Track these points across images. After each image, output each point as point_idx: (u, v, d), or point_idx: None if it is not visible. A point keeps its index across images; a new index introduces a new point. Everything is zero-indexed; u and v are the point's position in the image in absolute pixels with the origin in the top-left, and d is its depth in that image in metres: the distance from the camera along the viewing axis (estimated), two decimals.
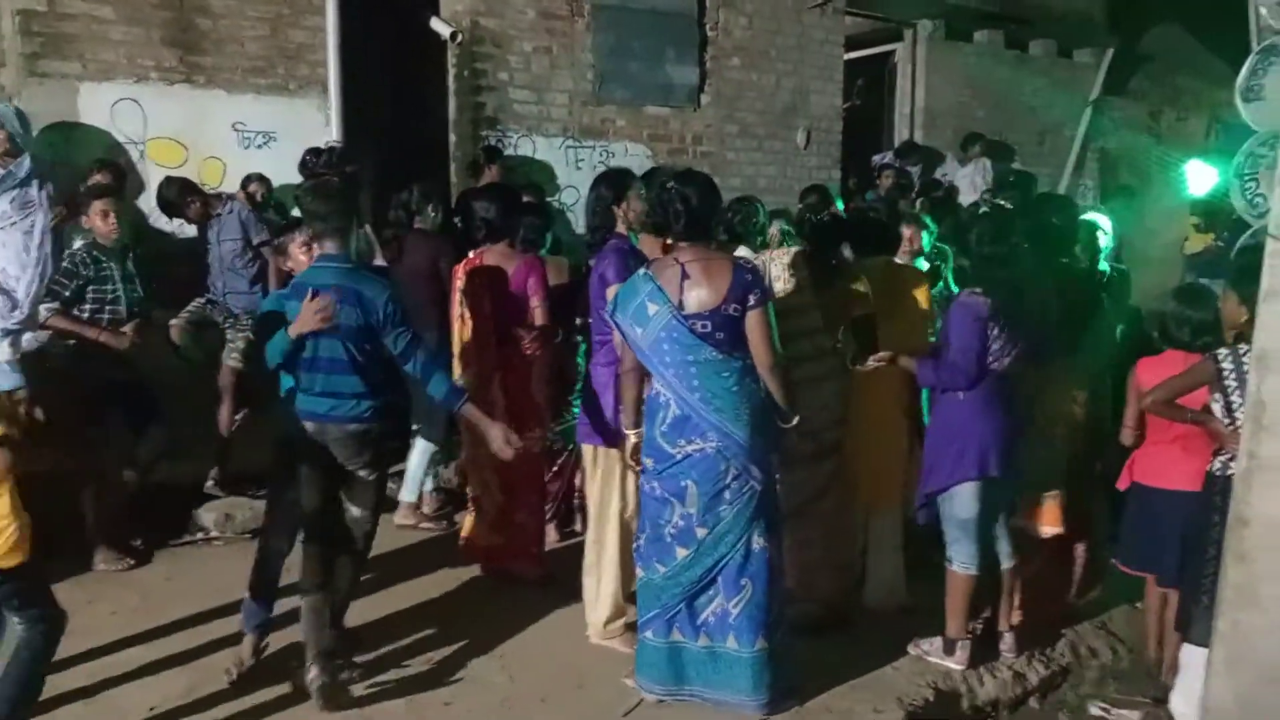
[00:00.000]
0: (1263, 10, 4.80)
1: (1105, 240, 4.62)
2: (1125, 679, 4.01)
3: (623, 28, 7.32)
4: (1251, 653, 2.65)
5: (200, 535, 5.00)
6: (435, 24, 6.65)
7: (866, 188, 8.73)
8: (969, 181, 8.83)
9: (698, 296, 3.14)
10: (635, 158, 7.29)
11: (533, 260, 4.37)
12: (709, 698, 3.32)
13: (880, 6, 9.16)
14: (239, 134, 5.99)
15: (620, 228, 3.85)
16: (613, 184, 3.93)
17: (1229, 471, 3.06)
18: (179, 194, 5.37)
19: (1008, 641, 3.89)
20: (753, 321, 3.15)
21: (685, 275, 3.15)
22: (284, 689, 3.40)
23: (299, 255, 3.61)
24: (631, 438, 3.42)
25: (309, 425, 3.39)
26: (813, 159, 8.51)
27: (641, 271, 3.25)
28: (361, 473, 3.50)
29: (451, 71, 6.78)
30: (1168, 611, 3.72)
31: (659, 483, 3.25)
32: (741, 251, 4.06)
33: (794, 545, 3.80)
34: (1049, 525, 4.03)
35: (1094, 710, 3.78)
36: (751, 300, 3.14)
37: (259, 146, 6.02)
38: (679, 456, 3.19)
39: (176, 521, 4.99)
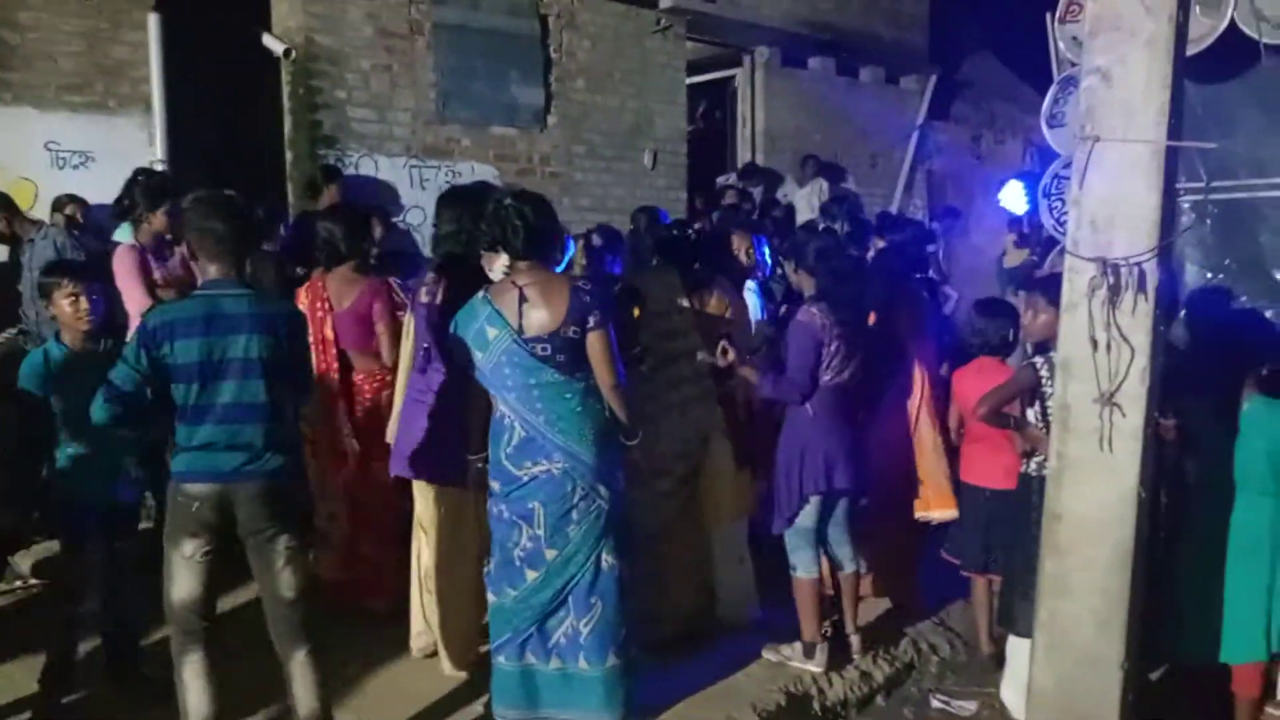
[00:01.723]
0: (1061, 44, 5.22)
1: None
2: (963, 672, 4.22)
3: (465, 47, 7.28)
4: (1067, 639, 2.84)
5: (18, 584, 4.63)
6: (267, 40, 6.44)
7: (712, 208, 8.96)
8: (806, 202, 9.19)
9: (537, 319, 3.11)
10: (482, 178, 7.23)
11: (377, 284, 4.25)
12: (554, 714, 3.30)
13: (719, 33, 9.43)
14: (52, 154, 5.66)
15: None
16: (467, 204, 3.76)
17: (1043, 472, 3.28)
18: None
19: (854, 643, 4.05)
20: (593, 342, 3.14)
21: (523, 298, 3.11)
22: None
23: (64, 305, 3.32)
24: (477, 464, 3.38)
25: (200, 488, 2.84)
26: (660, 180, 8.67)
27: (480, 295, 3.21)
28: (270, 532, 2.94)
29: (286, 89, 6.59)
30: (995, 604, 3.96)
31: (506, 505, 3.21)
32: None
33: (656, 564, 3.85)
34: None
35: (935, 703, 3.96)
36: (591, 321, 3.12)
37: (75, 167, 5.70)
38: (525, 479, 3.16)
39: None
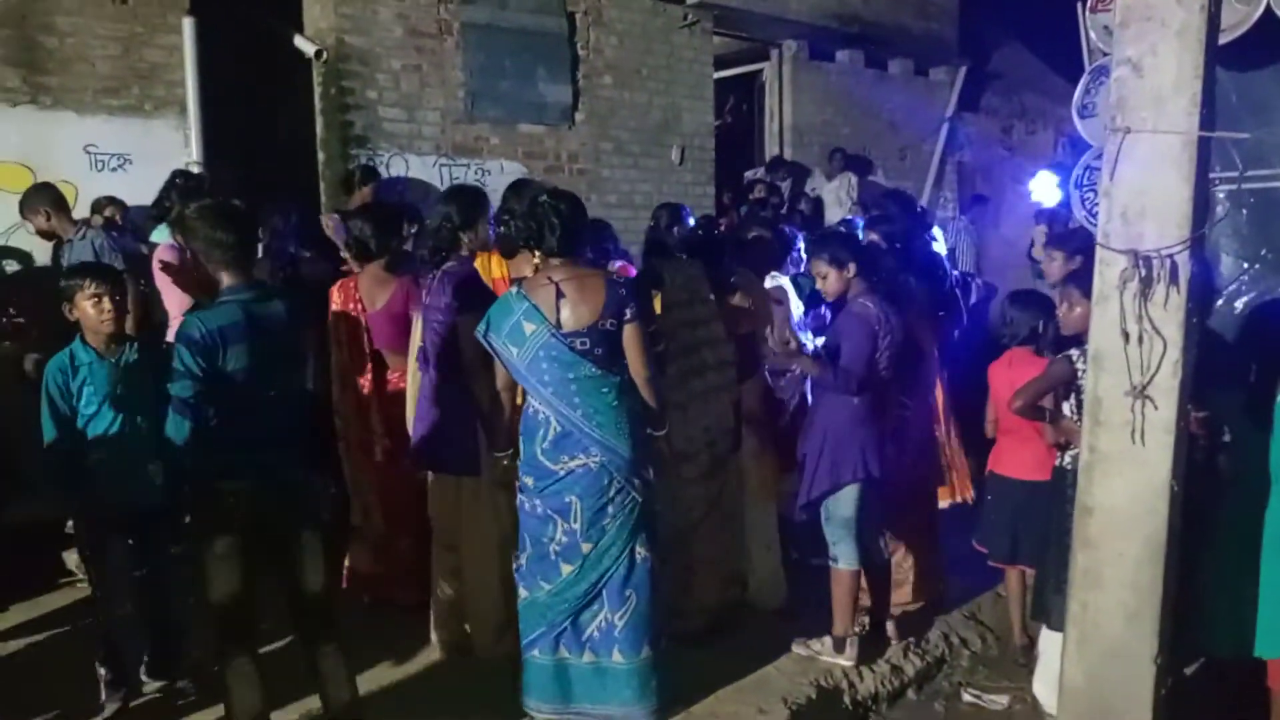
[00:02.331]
0: (1092, 34, 5.16)
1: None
2: (994, 665, 4.21)
3: (493, 46, 7.32)
4: (1097, 631, 2.82)
5: (68, 579, 4.72)
6: (299, 42, 6.51)
7: (740, 203, 8.95)
8: (834, 196, 9.16)
9: (575, 314, 3.15)
10: (511, 175, 7.27)
11: (410, 284, 4.24)
12: (596, 713, 3.32)
13: (746, 27, 9.41)
14: (91, 156, 5.74)
15: (464, 251, 3.81)
16: (462, 207, 3.83)
17: (1077, 465, 3.27)
18: (34, 196, 5.01)
19: (890, 630, 4.07)
20: (629, 335, 3.20)
21: (560, 294, 3.16)
22: None
23: (86, 307, 3.32)
24: (503, 460, 3.42)
25: (238, 485, 2.88)
26: (687, 175, 8.67)
27: (514, 290, 3.25)
28: (303, 528, 3.03)
29: (317, 90, 6.65)
30: (1029, 597, 3.95)
31: (540, 500, 3.24)
32: None
33: (686, 558, 3.88)
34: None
35: (966, 697, 3.96)
36: (627, 314, 3.19)
37: (113, 169, 5.79)
38: (562, 473, 3.19)
39: (37, 565, 4.71)
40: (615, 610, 3.26)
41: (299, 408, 3.02)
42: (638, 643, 3.27)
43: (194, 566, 2.98)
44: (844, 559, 3.87)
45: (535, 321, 3.15)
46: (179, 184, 5.14)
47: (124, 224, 5.43)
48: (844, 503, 3.83)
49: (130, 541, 3.46)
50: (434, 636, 3.95)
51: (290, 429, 3.00)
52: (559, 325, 3.14)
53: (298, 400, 3.02)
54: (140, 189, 5.49)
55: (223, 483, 2.89)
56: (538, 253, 3.25)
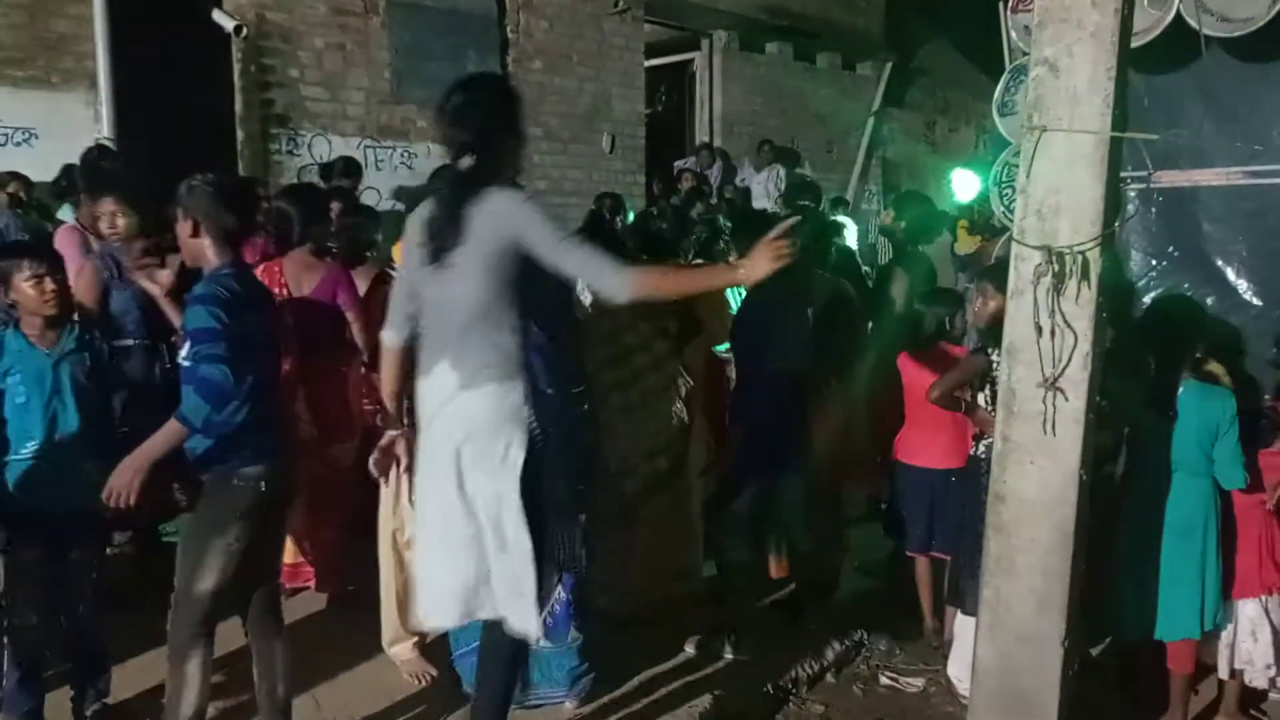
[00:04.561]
0: (1013, 33, 5.29)
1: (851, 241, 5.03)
2: (910, 650, 4.30)
3: (420, 27, 7.20)
4: (1009, 616, 2.90)
5: None
6: (218, 16, 6.32)
7: (670, 191, 8.97)
8: (763, 188, 9.24)
9: None
10: (438, 159, 7.17)
11: (337, 270, 4.15)
12: (528, 697, 3.34)
13: (677, 16, 9.43)
14: None
15: None
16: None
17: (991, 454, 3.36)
18: None
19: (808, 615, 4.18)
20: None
21: None
22: None
23: (26, 289, 3.04)
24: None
25: (257, 469, 2.81)
26: (618, 163, 8.67)
27: None
28: (283, 510, 3.02)
29: (237, 67, 6.47)
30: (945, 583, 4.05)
31: None
32: None
33: (621, 540, 3.88)
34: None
35: (884, 680, 4.04)
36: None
37: (17, 144, 5.55)
38: None
39: None
40: (569, 589, 3.30)
41: (279, 390, 3.02)
42: (567, 624, 3.32)
43: (185, 556, 2.84)
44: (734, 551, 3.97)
45: None
46: (85, 161, 4.94)
47: (28, 202, 5.21)
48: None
49: (53, 547, 3.13)
50: (388, 648, 3.68)
51: (281, 411, 3.01)
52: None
53: (278, 382, 3.02)
54: (46, 165, 5.28)
55: (245, 469, 2.80)
56: None
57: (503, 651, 2.76)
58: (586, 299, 3.72)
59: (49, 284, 3.05)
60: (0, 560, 3.05)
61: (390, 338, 2.80)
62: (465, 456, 2.57)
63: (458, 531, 2.59)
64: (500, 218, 2.53)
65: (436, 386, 2.61)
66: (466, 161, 2.61)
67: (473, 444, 2.57)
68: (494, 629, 2.73)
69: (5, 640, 3.07)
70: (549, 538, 2.81)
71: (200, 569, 2.79)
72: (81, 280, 3.80)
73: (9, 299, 3.09)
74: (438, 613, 2.70)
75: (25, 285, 3.03)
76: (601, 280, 2.55)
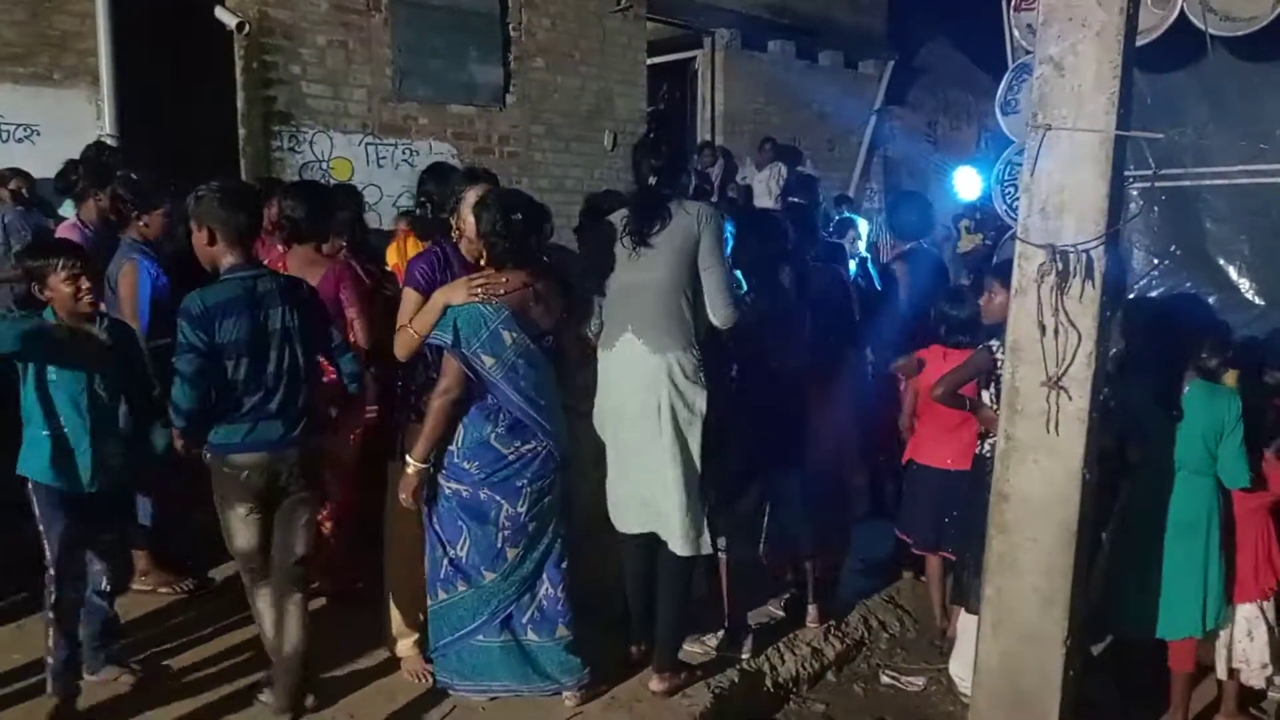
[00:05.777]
0: (1016, 32, 5.29)
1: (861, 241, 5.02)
2: (911, 648, 4.30)
3: (423, 24, 7.19)
4: (1012, 615, 2.91)
5: None
6: (220, 13, 6.31)
7: None
8: (764, 186, 9.23)
9: (544, 316, 3.28)
10: (440, 156, 7.17)
11: (341, 268, 4.10)
12: (524, 689, 3.36)
13: (679, 14, 9.42)
14: None
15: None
16: (442, 186, 3.70)
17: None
18: None
19: (812, 613, 4.14)
20: (570, 326, 3.43)
21: (534, 299, 3.24)
22: None
23: (62, 287, 3.10)
24: (421, 470, 3.27)
25: (248, 458, 3.04)
26: (620, 161, 8.64)
27: (487, 304, 3.19)
28: (301, 494, 3.17)
29: (239, 64, 6.46)
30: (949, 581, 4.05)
31: (489, 488, 3.25)
32: None
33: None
34: None
35: (885, 679, 4.04)
36: (565, 310, 3.38)
37: (19, 141, 5.54)
38: (512, 457, 3.25)
39: None
40: (556, 584, 3.36)
41: (305, 380, 3.14)
42: (567, 616, 3.37)
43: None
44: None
45: (513, 330, 3.19)
46: (88, 158, 4.94)
47: (31, 198, 5.21)
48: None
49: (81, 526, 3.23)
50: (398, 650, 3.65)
51: (294, 402, 3.10)
52: (536, 329, 3.25)
53: (304, 372, 3.13)
54: (49, 161, 5.24)
55: (233, 456, 3.05)
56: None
57: (673, 565, 3.39)
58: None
59: (85, 281, 3.15)
60: (49, 539, 3.14)
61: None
62: (663, 410, 3.25)
63: (651, 463, 3.29)
64: (695, 219, 3.28)
65: (631, 354, 3.30)
66: (653, 179, 3.41)
67: (670, 399, 3.26)
68: (667, 553, 3.36)
69: (53, 616, 3.15)
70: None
71: (228, 533, 3.15)
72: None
73: (45, 296, 3.18)
74: (622, 522, 3.44)
75: (61, 284, 3.13)
76: (728, 300, 3.32)
